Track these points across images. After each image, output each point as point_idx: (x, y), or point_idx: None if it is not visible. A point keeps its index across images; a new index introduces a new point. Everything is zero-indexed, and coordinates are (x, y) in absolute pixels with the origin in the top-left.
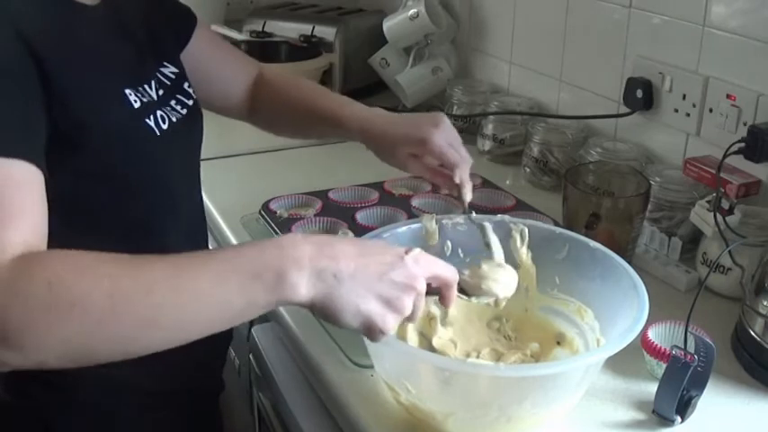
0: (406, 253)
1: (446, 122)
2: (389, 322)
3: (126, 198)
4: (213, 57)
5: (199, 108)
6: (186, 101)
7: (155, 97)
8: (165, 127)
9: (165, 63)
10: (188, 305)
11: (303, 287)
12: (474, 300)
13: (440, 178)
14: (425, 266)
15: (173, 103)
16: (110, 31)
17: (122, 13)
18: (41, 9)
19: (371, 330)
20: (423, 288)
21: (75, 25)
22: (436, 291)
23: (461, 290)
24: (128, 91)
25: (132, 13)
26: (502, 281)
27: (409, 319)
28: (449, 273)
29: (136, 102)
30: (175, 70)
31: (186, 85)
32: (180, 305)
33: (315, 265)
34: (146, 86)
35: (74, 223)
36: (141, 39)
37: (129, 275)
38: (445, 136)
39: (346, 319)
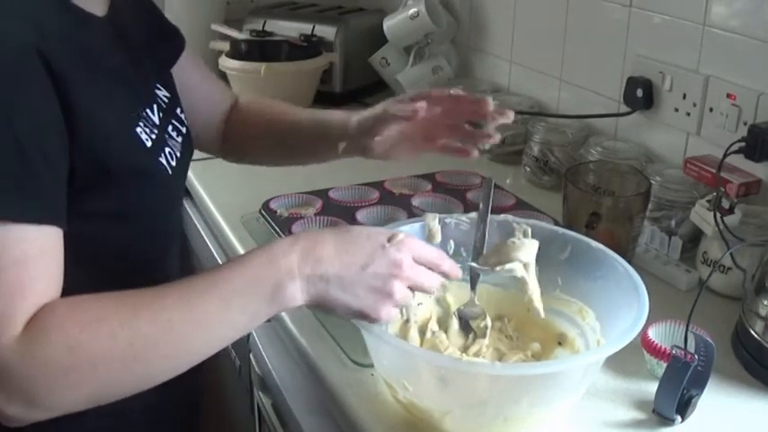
0: (390, 240)
1: None
2: (381, 309)
3: (137, 235)
4: (198, 82)
5: (191, 136)
6: (181, 127)
7: (156, 121)
8: (173, 164)
9: (159, 86)
10: (202, 333)
11: (298, 294)
12: (498, 269)
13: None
14: (409, 250)
15: (170, 129)
16: (116, 46)
17: (125, 27)
18: (59, 23)
19: (367, 320)
20: (411, 271)
21: (90, 44)
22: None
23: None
24: (138, 129)
25: (133, 26)
26: (522, 249)
27: (425, 291)
28: (433, 253)
29: (147, 140)
30: (168, 95)
31: (179, 110)
32: (195, 335)
33: (303, 273)
34: (147, 110)
35: (82, 261)
36: (140, 56)
37: (144, 318)
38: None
39: (340, 313)
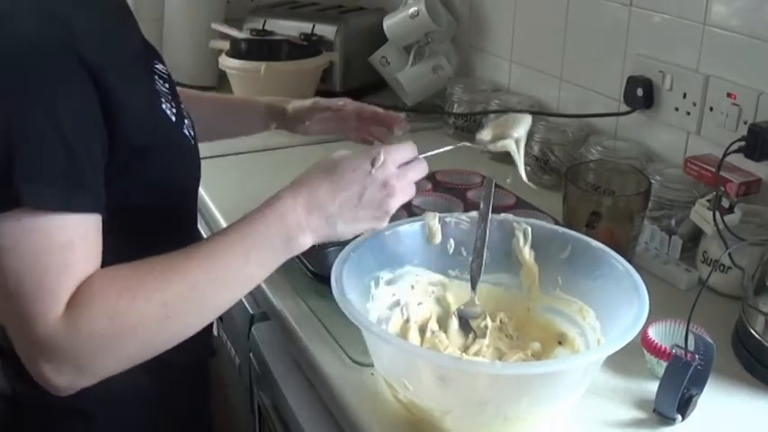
0: (373, 164)
1: None
2: (382, 222)
3: (167, 203)
4: None
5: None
6: (178, 97)
7: (169, 94)
8: (192, 133)
9: (156, 60)
10: (225, 288)
11: (308, 240)
12: (491, 147)
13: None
14: (391, 165)
15: (179, 102)
16: (128, 27)
17: (124, 5)
18: (86, 18)
19: (374, 231)
20: (399, 184)
21: (111, 31)
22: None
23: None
24: (163, 106)
25: (123, 2)
26: (515, 126)
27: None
28: (408, 153)
29: (172, 115)
30: (165, 67)
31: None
32: (219, 290)
33: (310, 223)
34: (159, 84)
35: (116, 231)
36: (140, 31)
37: (174, 281)
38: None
39: (348, 238)
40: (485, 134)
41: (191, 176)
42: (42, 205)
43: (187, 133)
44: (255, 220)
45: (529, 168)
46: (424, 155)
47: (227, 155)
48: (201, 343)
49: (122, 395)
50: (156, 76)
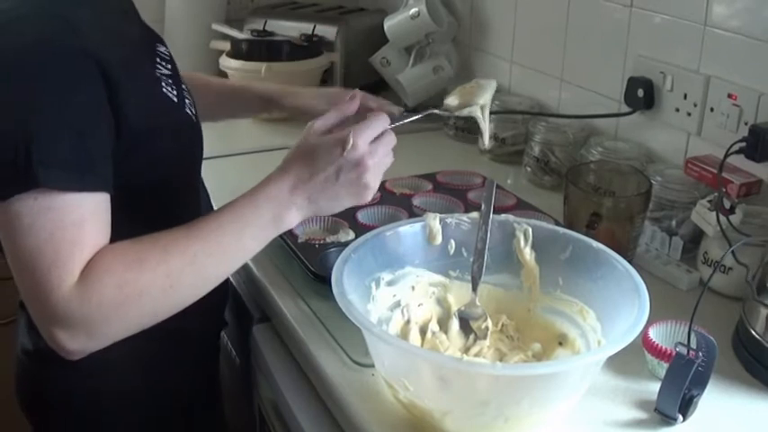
0: (344, 147)
1: None
2: (364, 197)
3: (172, 180)
4: None
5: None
6: (181, 84)
7: (169, 76)
8: (194, 111)
9: (157, 43)
10: (221, 261)
11: (295, 218)
12: (457, 113)
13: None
14: (362, 145)
15: (180, 82)
16: (129, 13)
17: None
18: (90, 13)
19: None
20: (372, 160)
21: (114, 22)
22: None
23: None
24: (164, 90)
25: None
26: (480, 94)
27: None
28: (377, 126)
29: (173, 96)
30: (166, 48)
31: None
32: (215, 263)
33: (295, 201)
34: (160, 67)
35: (124, 208)
36: (140, 15)
37: (175, 254)
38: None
39: (335, 212)
40: (452, 100)
41: (193, 152)
42: (58, 186)
43: (189, 112)
44: (248, 202)
45: (529, 169)
46: (393, 125)
47: (228, 155)
48: (217, 315)
49: (138, 354)
50: (158, 59)
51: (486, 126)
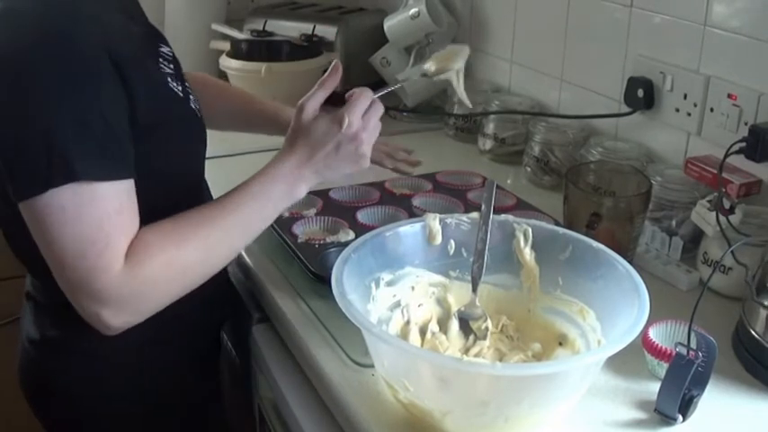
0: (341, 125)
1: None
2: (363, 164)
3: (181, 168)
4: None
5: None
6: (185, 82)
7: (173, 72)
8: (198, 106)
9: (160, 43)
10: (247, 232)
11: (303, 189)
12: (436, 78)
13: None
14: (356, 121)
15: (184, 80)
16: (135, 13)
17: None
18: (103, 12)
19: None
20: (365, 133)
21: (126, 21)
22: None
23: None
24: (171, 85)
25: None
26: (454, 59)
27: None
28: (365, 102)
29: (179, 91)
30: (169, 47)
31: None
32: (243, 234)
33: (303, 175)
34: (164, 65)
35: (141, 193)
36: (145, 14)
37: (209, 229)
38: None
39: (337, 179)
40: (429, 65)
41: (199, 142)
42: (98, 177)
43: (193, 107)
44: (264, 179)
45: (529, 169)
46: (377, 94)
47: (229, 155)
48: (219, 306)
49: (141, 342)
50: (161, 58)
51: (461, 90)
